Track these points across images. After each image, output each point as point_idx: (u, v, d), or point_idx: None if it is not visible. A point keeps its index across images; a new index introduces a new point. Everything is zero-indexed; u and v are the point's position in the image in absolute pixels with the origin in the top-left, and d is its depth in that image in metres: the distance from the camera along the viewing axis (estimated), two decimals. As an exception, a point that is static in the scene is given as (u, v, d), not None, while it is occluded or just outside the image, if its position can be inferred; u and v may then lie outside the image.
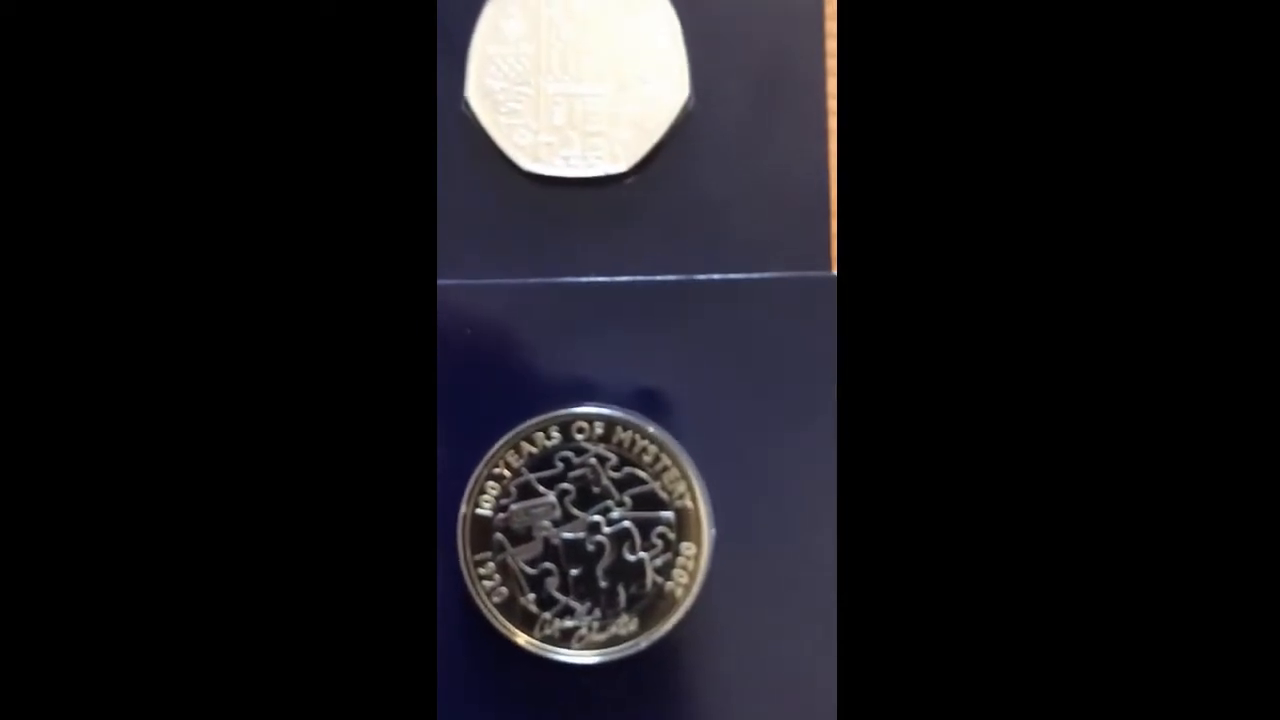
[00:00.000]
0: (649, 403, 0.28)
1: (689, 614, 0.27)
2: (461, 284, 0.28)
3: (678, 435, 0.28)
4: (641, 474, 0.28)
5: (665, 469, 0.28)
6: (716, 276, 0.28)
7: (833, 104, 0.29)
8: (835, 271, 0.28)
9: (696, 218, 0.29)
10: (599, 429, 0.28)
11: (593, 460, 0.28)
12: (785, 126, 0.29)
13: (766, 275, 0.28)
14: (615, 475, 0.28)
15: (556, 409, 0.28)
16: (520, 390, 0.28)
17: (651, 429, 0.28)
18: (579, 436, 0.28)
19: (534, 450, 0.28)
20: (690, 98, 0.28)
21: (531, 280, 0.28)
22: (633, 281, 0.28)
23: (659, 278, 0.28)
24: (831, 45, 0.29)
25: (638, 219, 0.29)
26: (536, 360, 0.28)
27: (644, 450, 0.28)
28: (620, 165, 0.28)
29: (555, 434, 0.28)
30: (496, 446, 0.27)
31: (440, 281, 0.28)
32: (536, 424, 0.28)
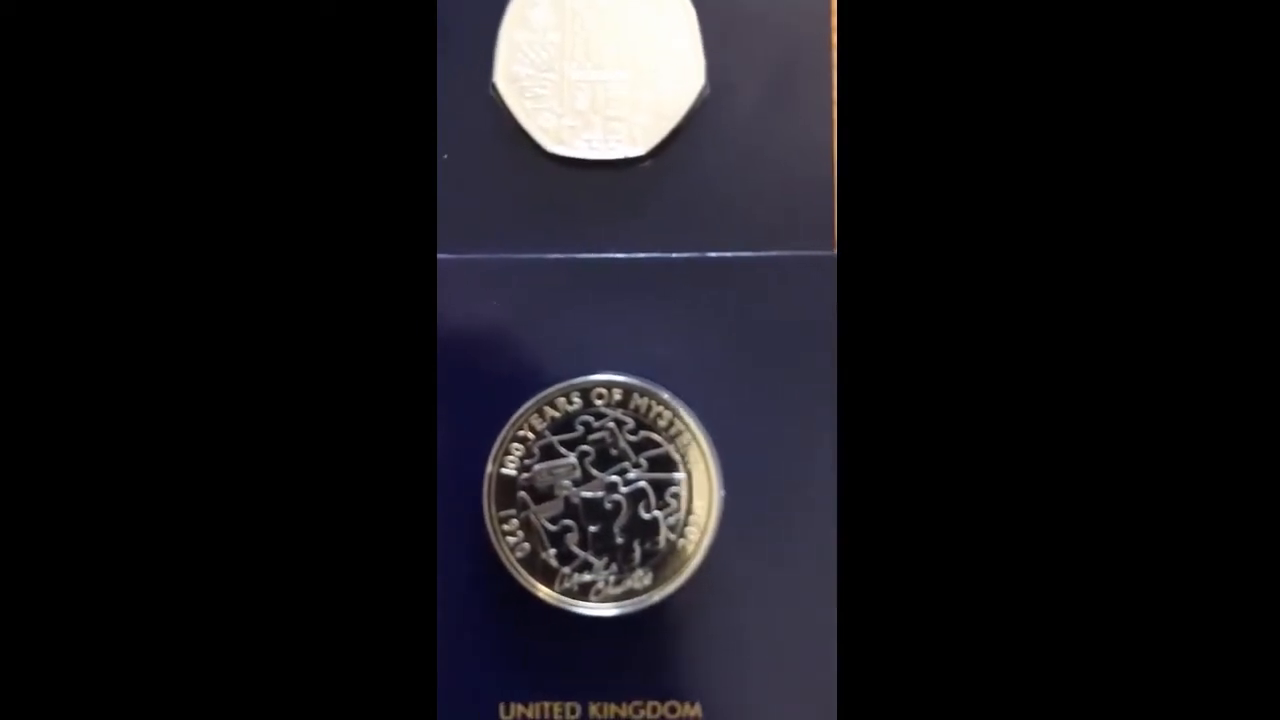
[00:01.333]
0: (663, 371, 0.30)
1: (699, 569, 0.29)
2: (489, 259, 0.30)
3: (689, 402, 0.29)
4: (656, 438, 0.29)
5: (679, 433, 0.29)
6: (729, 254, 0.30)
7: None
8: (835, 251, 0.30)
9: (708, 199, 0.30)
10: (617, 395, 0.29)
11: (611, 424, 0.29)
12: (794, 115, 0.31)
13: (772, 254, 0.30)
14: (632, 438, 0.29)
15: (576, 377, 0.29)
16: (542, 359, 0.30)
17: (666, 396, 0.29)
18: (599, 402, 0.29)
19: (556, 414, 0.29)
20: (705, 86, 0.30)
21: (553, 256, 0.30)
22: (649, 258, 0.30)
23: (674, 255, 0.30)
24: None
25: (654, 199, 0.30)
26: (560, 330, 0.30)
27: (659, 415, 0.29)
28: (638, 149, 0.30)
29: (576, 399, 0.29)
30: (521, 410, 0.29)
31: (467, 256, 0.29)
32: (559, 390, 0.29)
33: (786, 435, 0.30)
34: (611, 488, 0.29)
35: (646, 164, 0.30)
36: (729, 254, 0.30)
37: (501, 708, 0.29)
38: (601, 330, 0.30)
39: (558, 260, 0.30)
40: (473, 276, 0.29)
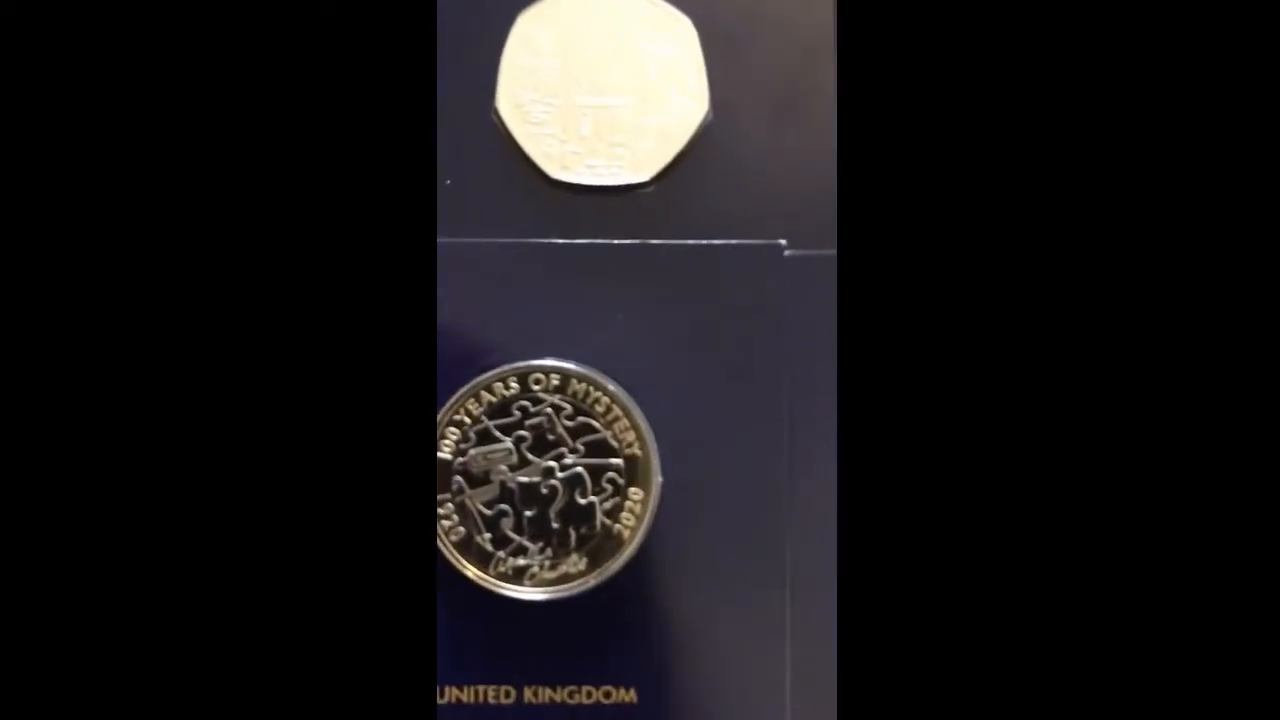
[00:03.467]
0: (613, 358, 0.30)
1: (635, 555, 0.29)
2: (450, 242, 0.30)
3: (642, 389, 0.29)
4: (594, 423, 0.29)
5: (616, 419, 0.29)
6: (689, 242, 0.30)
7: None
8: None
9: (710, 221, 0.31)
10: (555, 380, 0.30)
11: (548, 410, 0.29)
12: (796, 140, 0.31)
13: (717, 242, 0.30)
14: (569, 424, 0.29)
15: (516, 361, 0.30)
16: (491, 343, 0.30)
17: (604, 381, 0.29)
18: (536, 387, 0.30)
19: (493, 399, 0.30)
20: (709, 113, 0.31)
21: (519, 241, 0.30)
22: (604, 244, 0.30)
23: (622, 241, 0.30)
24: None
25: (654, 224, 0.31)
26: (518, 315, 0.30)
27: (596, 401, 0.29)
28: (642, 175, 0.30)
29: (514, 384, 0.30)
30: (457, 395, 0.29)
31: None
32: (496, 375, 0.30)
33: (739, 426, 0.30)
34: (548, 473, 0.29)
35: (649, 190, 0.31)
36: (689, 241, 0.30)
37: (437, 691, 0.29)
38: (558, 315, 0.30)
39: (524, 245, 0.30)
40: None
